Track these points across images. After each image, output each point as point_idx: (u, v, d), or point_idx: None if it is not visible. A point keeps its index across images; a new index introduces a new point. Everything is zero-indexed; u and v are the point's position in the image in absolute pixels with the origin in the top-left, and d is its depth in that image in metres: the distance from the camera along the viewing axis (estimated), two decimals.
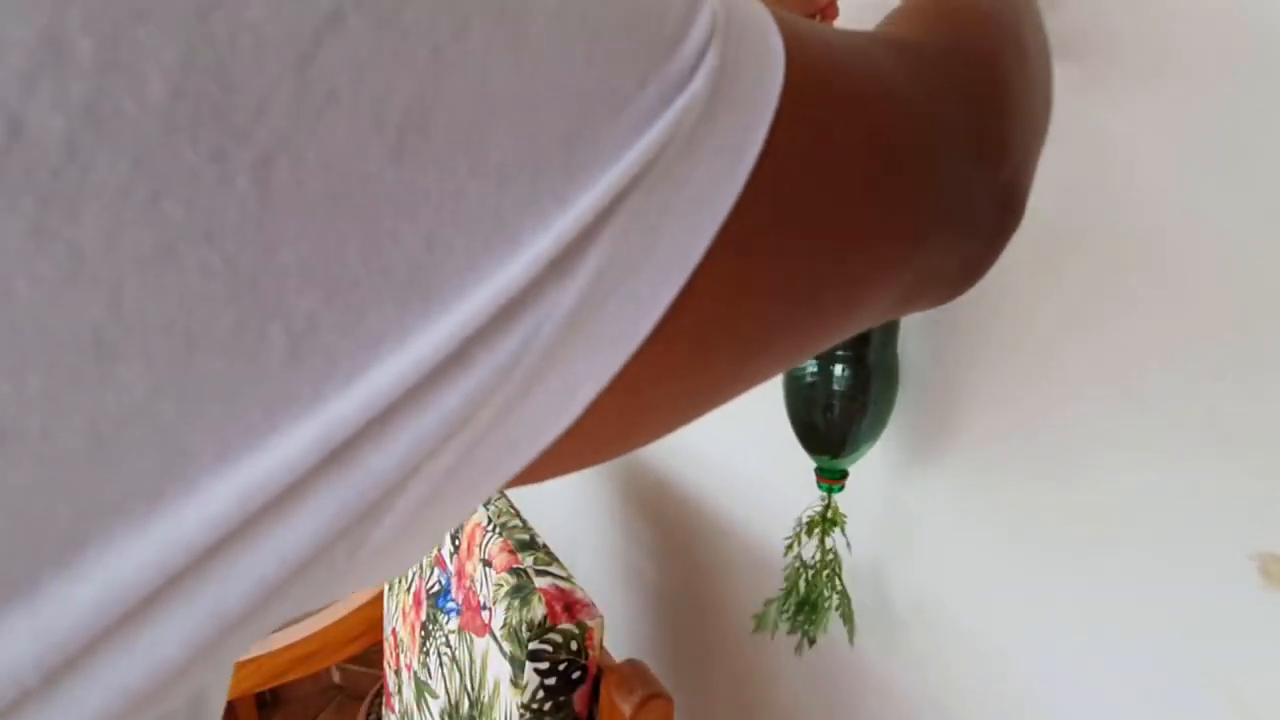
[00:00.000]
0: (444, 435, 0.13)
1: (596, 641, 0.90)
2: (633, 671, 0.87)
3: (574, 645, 0.89)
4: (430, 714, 1.11)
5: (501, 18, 0.13)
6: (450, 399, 0.13)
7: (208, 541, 0.11)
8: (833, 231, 0.20)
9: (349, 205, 0.12)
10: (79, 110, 0.10)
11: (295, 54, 0.11)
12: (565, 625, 0.88)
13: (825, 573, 0.77)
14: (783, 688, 0.95)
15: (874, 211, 0.21)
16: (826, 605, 0.77)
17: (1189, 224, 0.52)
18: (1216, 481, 0.54)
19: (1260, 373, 0.51)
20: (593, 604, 0.93)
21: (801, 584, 0.78)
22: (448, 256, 0.12)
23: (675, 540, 1.13)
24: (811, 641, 0.78)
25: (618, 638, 1.28)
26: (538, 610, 0.88)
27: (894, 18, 0.31)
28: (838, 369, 0.71)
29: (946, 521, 0.73)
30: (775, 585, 0.93)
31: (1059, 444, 0.62)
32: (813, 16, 0.66)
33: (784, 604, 0.78)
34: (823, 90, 0.19)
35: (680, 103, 0.15)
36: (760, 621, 0.80)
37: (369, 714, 1.38)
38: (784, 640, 0.88)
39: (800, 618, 0.77)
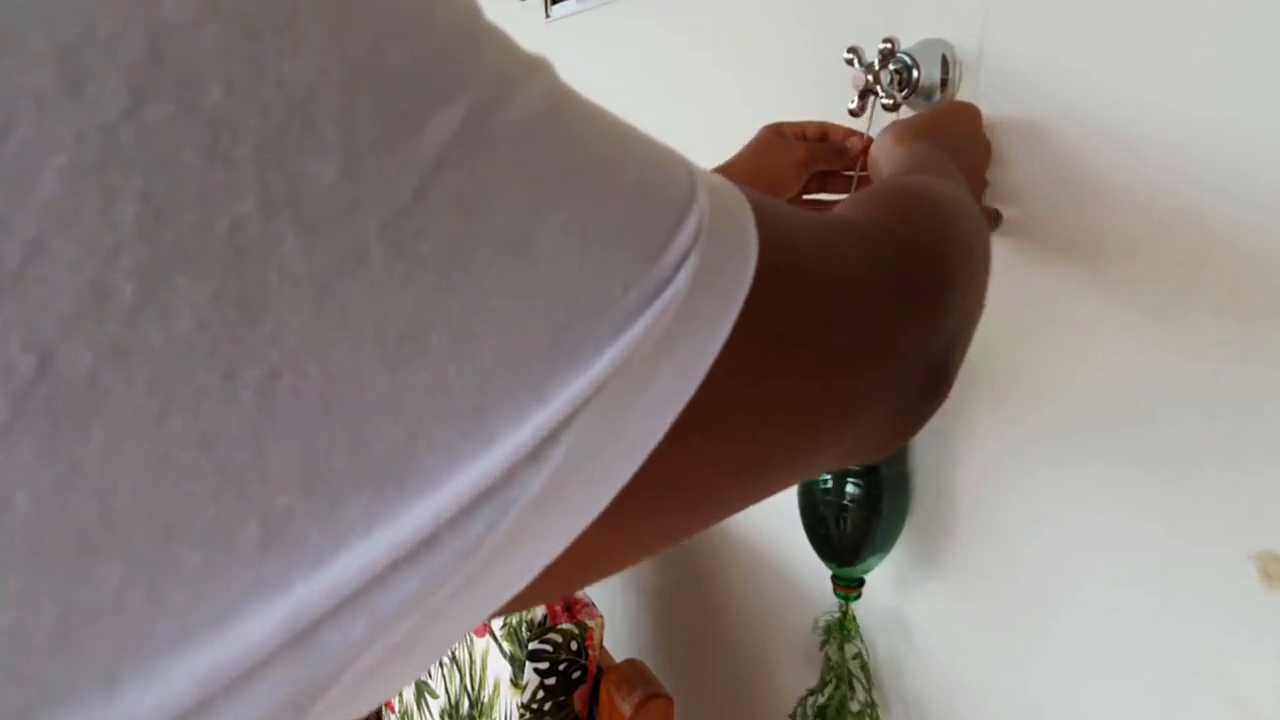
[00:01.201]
0: (401, 615, 0.13)
1: (596, 641, 0.90)
2: (633, 671, 0.87)
3: (574, 645, 0.89)
4: (430, 714, 1.11)
5: (509, 242, 0.13)
6: (412, 582, 0.13)
7: None
8: (785, 407, 0.20)
9: (340, 410, 0.12)
10: (108, 346, 0.10)
11: (317, 287, 0.11)
12: (565, 625, 0.88)
13: (846, 678, 0.78)
14: (782, 688, 0.95)
15: (825, 387, 0.22)
16: (854, 712, 0.78)
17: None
18: (1216, 482, 0.54)
19: (1259, 374, 0.51)
20: (593, 604, 0.93)
21: (828, 689, 0.78)
22: (428, 450, 0.13)
23: None
24: None
25: (618, 638, 1.28)
26: (538, 610, 0.88)
27: (854, 201, 0.33)
28: (850, 484, 0.70)
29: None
30: (774, 585, 0.93)
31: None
32: (850, 168, 0.67)
33: (814, 705, 0.79)
34: (788, 276, 0.20)
35: (660, 303, 0.15)
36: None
37: (368, 714, 1.38)
38: (782, 641, 0.88)
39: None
